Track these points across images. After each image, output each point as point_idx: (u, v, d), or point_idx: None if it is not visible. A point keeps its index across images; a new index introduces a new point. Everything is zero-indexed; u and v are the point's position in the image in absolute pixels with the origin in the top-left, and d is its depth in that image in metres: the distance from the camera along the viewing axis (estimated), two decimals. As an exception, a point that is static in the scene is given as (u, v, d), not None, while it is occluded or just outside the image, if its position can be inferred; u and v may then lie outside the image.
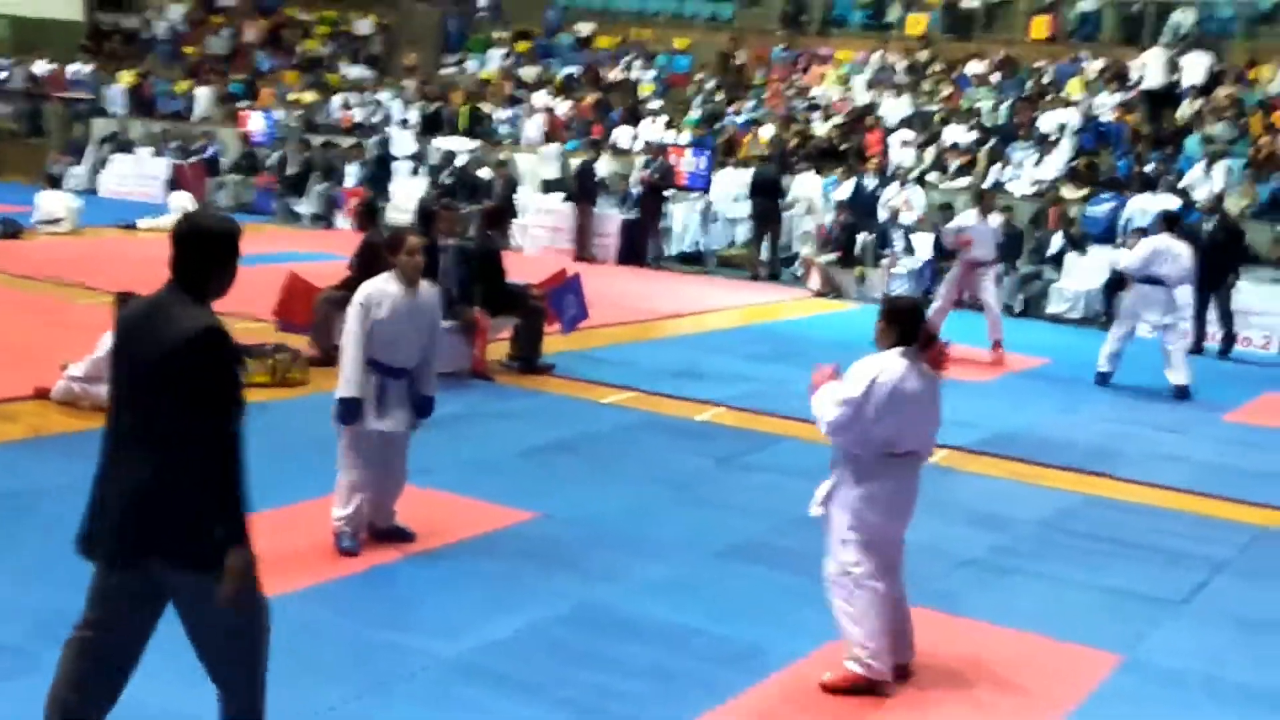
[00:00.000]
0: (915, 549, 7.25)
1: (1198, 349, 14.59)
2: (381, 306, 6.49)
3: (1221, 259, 14.49)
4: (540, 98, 24.20)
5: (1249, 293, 15.27)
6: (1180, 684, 5.73)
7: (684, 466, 8.71)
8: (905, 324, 5.29)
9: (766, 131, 21.68)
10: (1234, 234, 14.67)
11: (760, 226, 19.05)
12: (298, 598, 5.85)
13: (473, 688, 5.18)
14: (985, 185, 18.27)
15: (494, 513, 7.32)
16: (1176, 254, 11.92)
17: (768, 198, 18.82)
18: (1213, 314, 14.81)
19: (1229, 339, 14.75)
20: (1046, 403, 11.63)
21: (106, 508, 3.86)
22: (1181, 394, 11.82)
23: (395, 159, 22.28)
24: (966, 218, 13.80)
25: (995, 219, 13.70)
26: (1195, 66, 21.03)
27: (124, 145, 24.56)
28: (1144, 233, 16.18)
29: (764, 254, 18.94)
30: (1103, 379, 12.26)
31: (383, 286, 6.57)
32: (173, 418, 3.72)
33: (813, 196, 19.02)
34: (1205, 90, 20.48)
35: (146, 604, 3.97)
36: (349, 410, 6.47)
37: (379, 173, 21.66)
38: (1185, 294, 12.09)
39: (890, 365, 5.21)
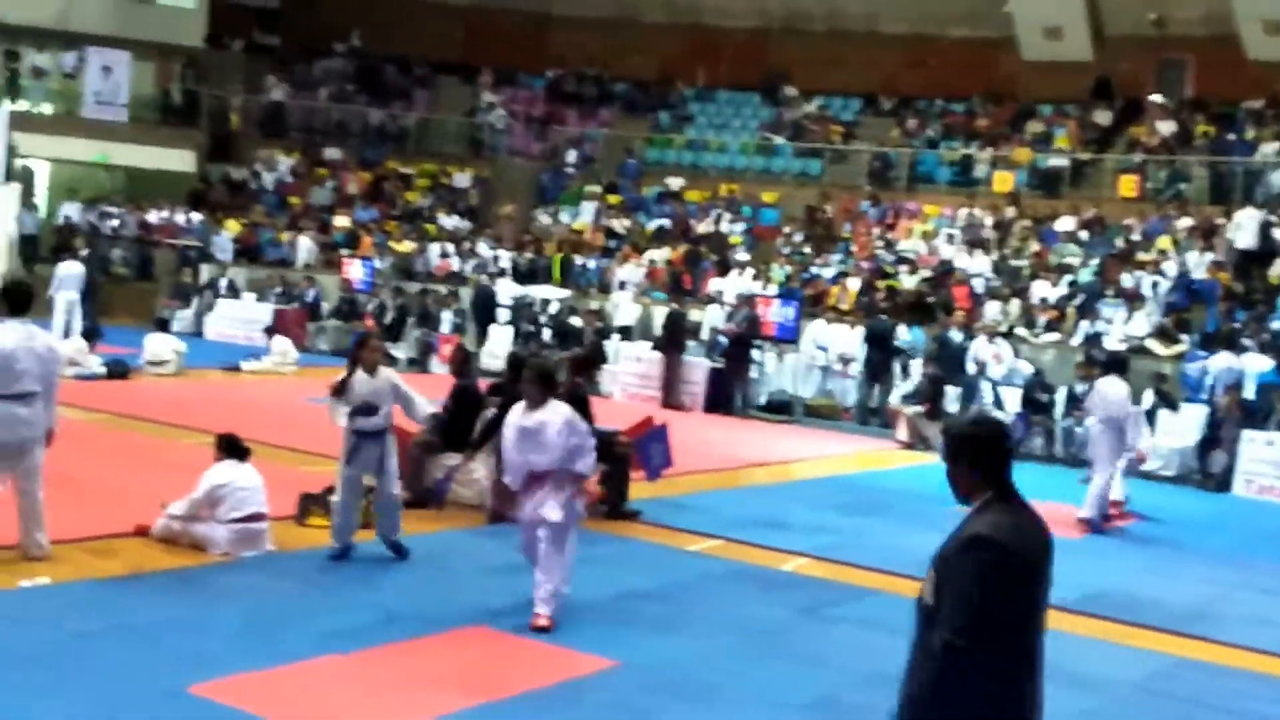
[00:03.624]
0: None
1: None
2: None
3: None
4: (630, 249, 24.75)
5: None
6: None
7: (767, 616, 8.68)
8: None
9: (854, 283, 21.90)
10: None
11: (872, 377, 19.29)
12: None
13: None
14: (1075, 341, 18.18)
15: (574, 659, 7.35)
16: (1104, 394, 12.66)
17: (882, 349, 19.12)
18: None
19: None
20: (1138, 561, 11.43)
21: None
22: (1084, 525, 12.17)
23: (499, 305, 22.85)
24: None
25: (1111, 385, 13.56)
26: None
27: (229, 290, 25.45)
28: (1236, 389, 16.01)
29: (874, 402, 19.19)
30: (1096, 523, 12.42)
31: None
32: None
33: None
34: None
35: None
36: None
37: (482, 316, 22.26)
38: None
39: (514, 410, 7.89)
